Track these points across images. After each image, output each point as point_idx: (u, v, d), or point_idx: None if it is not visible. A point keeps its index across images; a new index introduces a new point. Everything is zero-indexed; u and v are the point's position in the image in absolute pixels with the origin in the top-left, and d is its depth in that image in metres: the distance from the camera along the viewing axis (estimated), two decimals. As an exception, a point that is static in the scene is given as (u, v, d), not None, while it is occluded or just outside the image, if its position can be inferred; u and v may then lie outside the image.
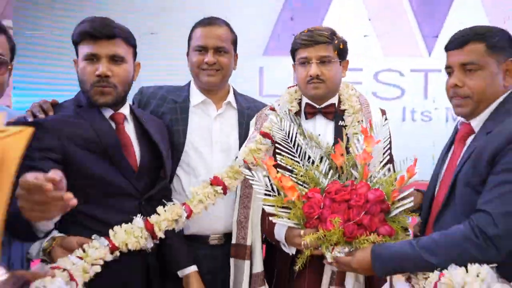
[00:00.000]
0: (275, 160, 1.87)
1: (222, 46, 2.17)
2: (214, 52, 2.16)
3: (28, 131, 0.96)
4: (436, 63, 4.00)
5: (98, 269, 1.65)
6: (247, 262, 2.03)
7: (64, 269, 1.56)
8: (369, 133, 1.85)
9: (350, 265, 1.65)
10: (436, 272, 1.48)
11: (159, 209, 1.84)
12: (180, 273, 1.99)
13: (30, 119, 1.74)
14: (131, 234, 1.74)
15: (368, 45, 4.29)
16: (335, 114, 2.08)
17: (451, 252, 1.49)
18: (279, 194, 1.79)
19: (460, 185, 1.60)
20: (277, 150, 1.94)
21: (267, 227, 1.94)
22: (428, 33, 4.25)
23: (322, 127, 2.07)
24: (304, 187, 1.81)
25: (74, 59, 1.89)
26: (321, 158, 1.88)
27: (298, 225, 1.76)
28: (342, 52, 2.06)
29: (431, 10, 4.28)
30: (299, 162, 1.88)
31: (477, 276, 1.35)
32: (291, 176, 1.81)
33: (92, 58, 1.79)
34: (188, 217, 1.89)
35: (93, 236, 1.70)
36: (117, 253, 1.72)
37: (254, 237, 2.05)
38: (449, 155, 1.77)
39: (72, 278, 1.55)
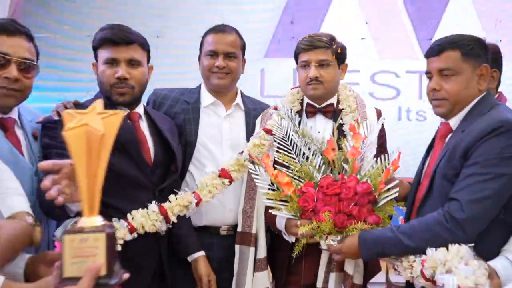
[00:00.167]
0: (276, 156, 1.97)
1: (232, 52, 2.26)
2: (224, 57, 2.25)
3: (121, 114, 1.08)
4: (431, 65, 4.10)
5: (118, 248, 1.74)
6: (252, 249, 2.14)
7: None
8: (357, 130, 1.94)
9: (341, 250, 1.78)
10: (418, 260, 1.59)
11: (171, 197, 1.97)
12: (190, 258, 2.13)
13: (56, 118, 1.83)
14: (147, 218, 1.88)
15: (365, 47, 4.33)
16: (334, 113, 2.17)
17: (425, 236, 1.61)
18: (278, 188, 1.89)
19: (438, 178, 1.70)
20: (277, 147, 2.05)
21: (270, 217, 2.04)
22: (422, 36, 4.28)
23: (322, 125, 2.17)
24: (300, 181, 1.91)
25: (93, 62, 2.01)
26: (315, 154, 1.97)
27: (295, 216, 1.87)
28: (340, 56, 2.15)
29: (426, 14, 4.32)
30: (294, 158, 1.97)
31: (457, 254, 1.48)
32: (288, 171, 1.91)
33: (112, 62, 1.91)
34: (197, 204, 2.01)
35: (113, 219, 1.82)
36: (135, 234, 1.86)
37: (258, 226, 2.16)
38: (431, 152, 1.87)
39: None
